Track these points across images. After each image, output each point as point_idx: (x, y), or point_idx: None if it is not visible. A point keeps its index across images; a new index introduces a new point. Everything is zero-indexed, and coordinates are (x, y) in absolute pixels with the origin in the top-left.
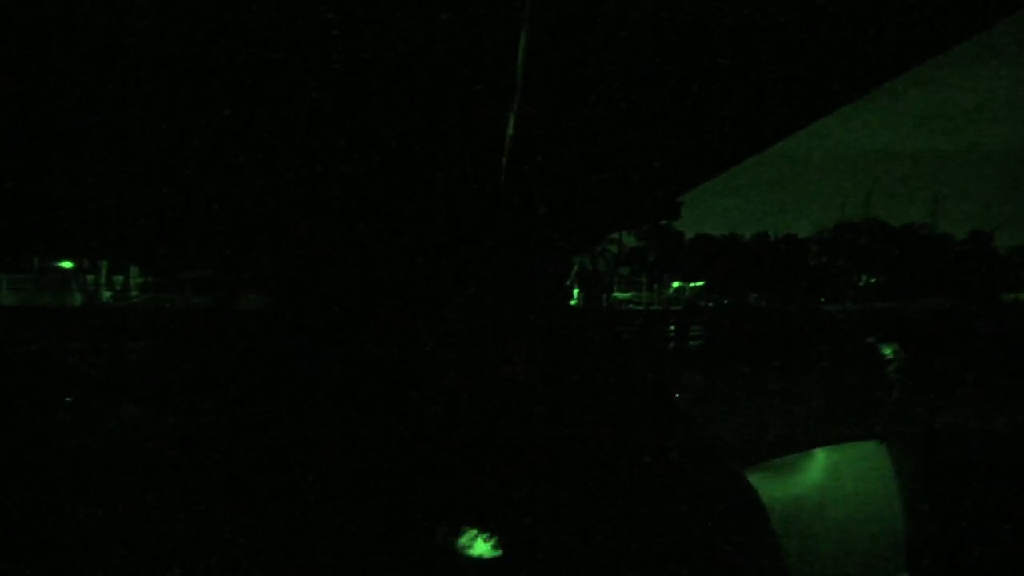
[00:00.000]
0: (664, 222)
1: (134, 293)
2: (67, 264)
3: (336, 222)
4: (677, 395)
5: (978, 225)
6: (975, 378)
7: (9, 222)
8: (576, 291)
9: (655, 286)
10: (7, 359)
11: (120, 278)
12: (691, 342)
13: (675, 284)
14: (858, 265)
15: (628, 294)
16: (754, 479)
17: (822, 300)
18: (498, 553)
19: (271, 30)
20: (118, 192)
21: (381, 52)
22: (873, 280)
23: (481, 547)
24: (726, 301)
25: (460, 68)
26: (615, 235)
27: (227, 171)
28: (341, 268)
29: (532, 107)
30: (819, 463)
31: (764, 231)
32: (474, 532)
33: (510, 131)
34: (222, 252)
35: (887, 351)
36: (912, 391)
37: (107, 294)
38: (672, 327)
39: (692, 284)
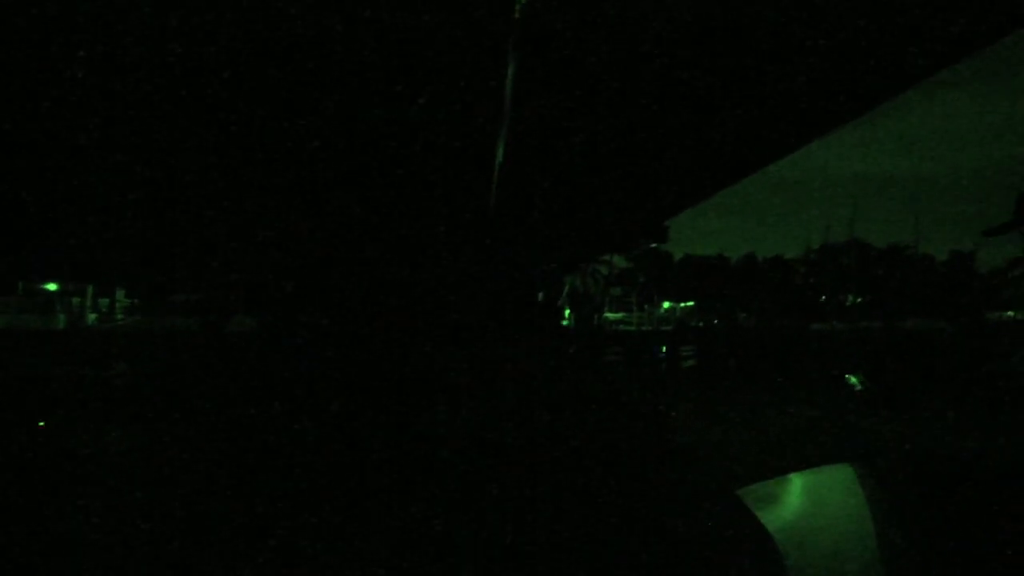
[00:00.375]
0: (653, 245)
1: (120, 316)
2: (52, 286)
3: (334, 230)
4: (673, 413)
5: (959, 246)
6: (946, 405)
7: None
8: (567, 311)
9: (645, 307)
10: None
11: (106, 300)
12: (683, 362)
13: (665, 304)
14: (844, 285)
15: (619, 315)
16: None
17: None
18: None
19: (266, 50)
20: (105, 214)
21: (376, 63)
22: (859, 300)
23: None
24: (716, 321)
25: (455, 90)
26: (605, 256)
27: (216, 190)
28: (341, 274)
29: (522, 132)
30: (795, 488)
31: (752, 252)
32: None
33: (499, 158)
34: (212, 272)
35: (853, 380)
36: (880, 417)
37: (92, 316)
38: (663, 347)
39: (682, 304)
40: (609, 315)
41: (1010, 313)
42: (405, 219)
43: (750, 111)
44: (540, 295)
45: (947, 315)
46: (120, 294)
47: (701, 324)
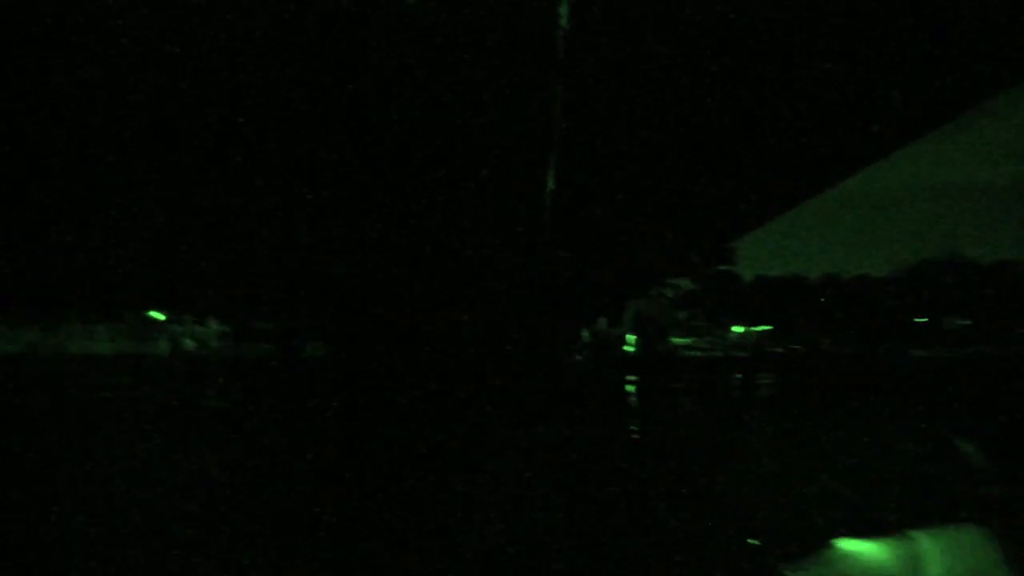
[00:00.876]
0: (722, 267)
1: (214, 343)
2: (158, 315)
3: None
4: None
5: None
6: None
7: (106, 275)
8: (632, 337)
9: (717, 331)
10: (101, 399)
11: (201, 328)
12: (759, 392)
13: (738, 328)
14: (945, 307)
15: (687, 339)
16: (843, 554)
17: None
18: None
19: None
20: (198, 250)
21: (427, 74)
22: (966, 323)
23: None
24: (796, 347)
25: (505, 106)
26: (671, 278)
27: (290, 221)
28: (392, 290)
29: (579, 145)
30: (919, 546)
31: (835, 271)
32: None
33: (551, 185)
34: (285, 301)
35: (966, 447)
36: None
37: (190, 343)
38: (739, 375)
39: (757, 328)
40: (676, 340)
41: None
42: (454, 234)
43: (829, 114)
44: (603, 320)
45: None
46: (214, 322)
47: (780, 350)
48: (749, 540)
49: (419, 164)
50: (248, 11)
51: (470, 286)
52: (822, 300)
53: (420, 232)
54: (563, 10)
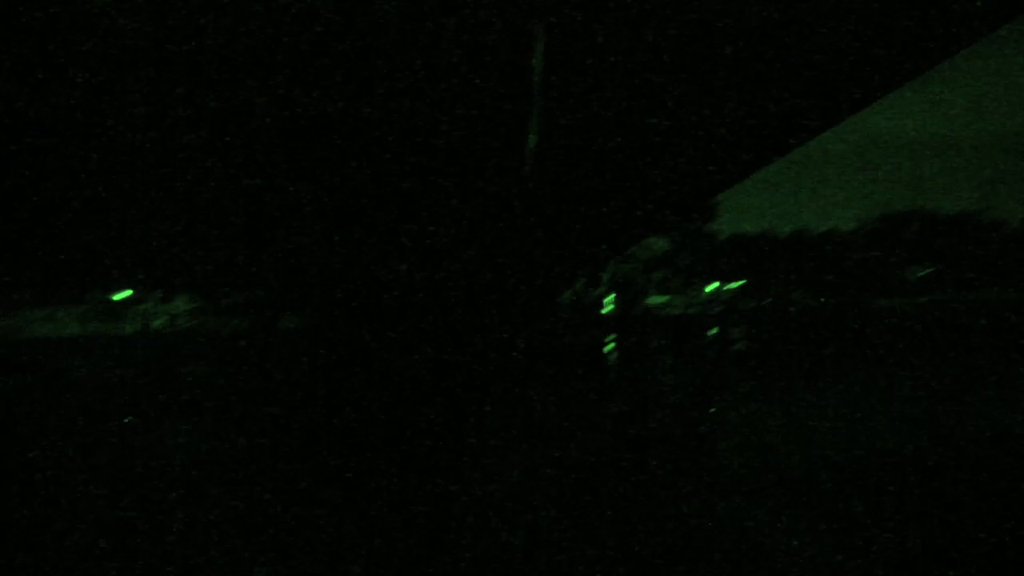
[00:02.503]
0: (698, 224)
1: (183, 319)
2: (125, 293)
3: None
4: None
5: None
6: None
7: (65, 254)
8: (610, 296)
9: (692, 289)
10: (68, 383)
11: (172, 304)
12: (734, 346)
13: (713, 285)
14: (909, 257)
15: (663, 298)
16: None
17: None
18: None
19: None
20: (160, 218)
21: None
22: (928, 271)
23: None
24: (770, 300)
25: (472, 73)
26: (648, 238)
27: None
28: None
29: (553, 111)
30: None
31: (803, 227)
32: None
33: (532, 144)
34: (258, 270)
35: None
36: None
37: (158, 321)
38: (713, 331)
39: (730, 285)
40: (654, 299)
41: None
42: (431, 197)
43: (798, 70)
44: (580, 282)
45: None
46: (183, 298)
47: (752, 305)
48: None
49: (389, 126)
50: None
51: (450, 251)
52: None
53: (397, 195)
54: None
